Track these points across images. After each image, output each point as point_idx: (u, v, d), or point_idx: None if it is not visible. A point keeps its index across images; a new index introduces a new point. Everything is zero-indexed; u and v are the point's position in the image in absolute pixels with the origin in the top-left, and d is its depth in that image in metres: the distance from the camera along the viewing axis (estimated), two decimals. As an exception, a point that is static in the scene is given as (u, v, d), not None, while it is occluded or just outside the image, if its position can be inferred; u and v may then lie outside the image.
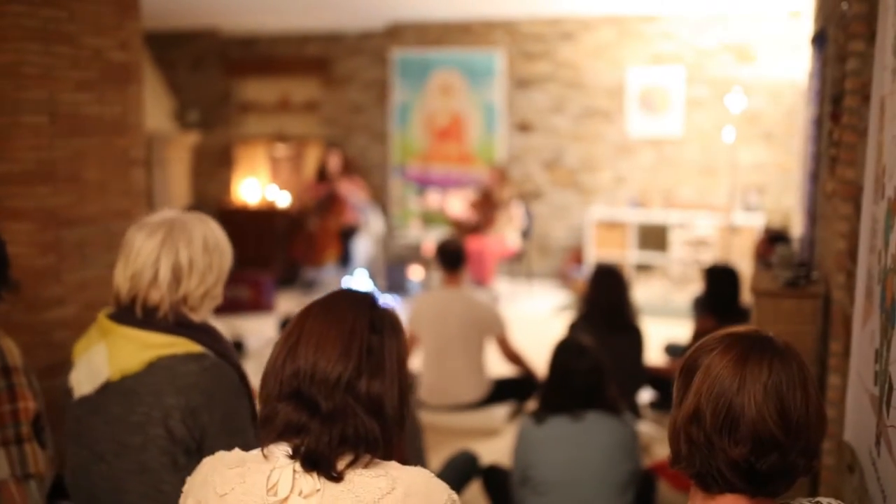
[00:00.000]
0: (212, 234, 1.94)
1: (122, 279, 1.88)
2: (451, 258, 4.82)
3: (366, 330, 1.33)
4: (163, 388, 1.78)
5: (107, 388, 1.83)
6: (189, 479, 1.38)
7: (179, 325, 1.86)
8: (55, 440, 2.16)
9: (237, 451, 1.35)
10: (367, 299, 1.38)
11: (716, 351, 1.29)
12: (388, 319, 1.38)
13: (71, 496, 1.94)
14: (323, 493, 1.26)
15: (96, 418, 1.84)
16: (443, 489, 1.31)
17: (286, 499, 1.26)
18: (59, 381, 1.98)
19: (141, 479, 1.80)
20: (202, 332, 1.89)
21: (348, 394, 1.28)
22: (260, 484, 1.27)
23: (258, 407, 1.36)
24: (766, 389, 1.23)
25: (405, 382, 1.36)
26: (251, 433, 1.89)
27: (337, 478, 1.26)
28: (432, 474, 1.32)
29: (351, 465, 1.28)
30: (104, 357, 1.84)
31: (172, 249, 1.86)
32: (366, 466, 1.29)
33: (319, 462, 1.27)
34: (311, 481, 1.26)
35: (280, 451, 1.29)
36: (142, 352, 1.81)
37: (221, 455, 1.36)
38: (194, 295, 1.89)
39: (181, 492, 1.78)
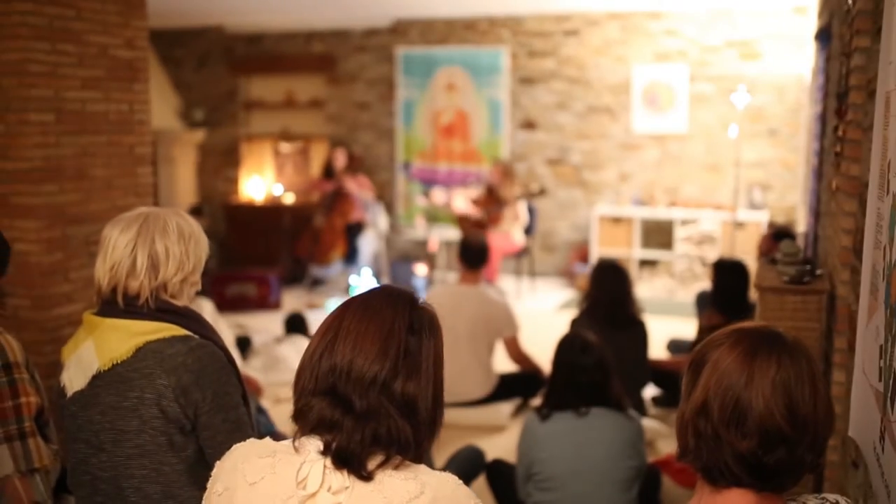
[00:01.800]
0: (186, 224, 1.99)
1: (101, 272, 1.93)
2: (475, 255, 4.76)
3: (404, 330, 1.32)
4: (152, 370, 1.83)
5: (98, 379, 1.87)
6: (218, 464, 1.39)
7: (162, 310, 1.91)
8: (59, 436, 2.17)
9: (268, 441, 1.36)
10: (407, 298, 1.38)
11: (724, 346, 1.30)
12: (426, 320, 1.37)
13: (73, 493, 1.96)
14: (352, 490, 1.27)
15: (92, 410, 1.88)
16: (469, 496, 1.31)
17: (315, 493, 1.27)
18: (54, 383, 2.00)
19: (141, 462, 1.84)
20: (185, 317, 1.94)
21: (383, 394, 1.28)
22: (290, 476, 1.28)
23: (292, 399, 1.36)
24: (775, 384, 1.24)
25: (440, 385, 1.36)
26: (243, 410, 1.92)
27: (367, 477, 1.27)
28: (460, 481, 1.32)
29: (381, 465, 1.28)
30: (92, 351, 1.89)
31: (147, 240, 1.92)
32: (396, 468, 1.29)
33: (350, 460, 1.27)
34: (340, 478, 1.27)
35: (312, 446, 1.30)
36: (129, 339, 1.86)
37: (252, 443, 1.37)
38: (173, 282, 1.95)
39: (180, 471, 1.81)
